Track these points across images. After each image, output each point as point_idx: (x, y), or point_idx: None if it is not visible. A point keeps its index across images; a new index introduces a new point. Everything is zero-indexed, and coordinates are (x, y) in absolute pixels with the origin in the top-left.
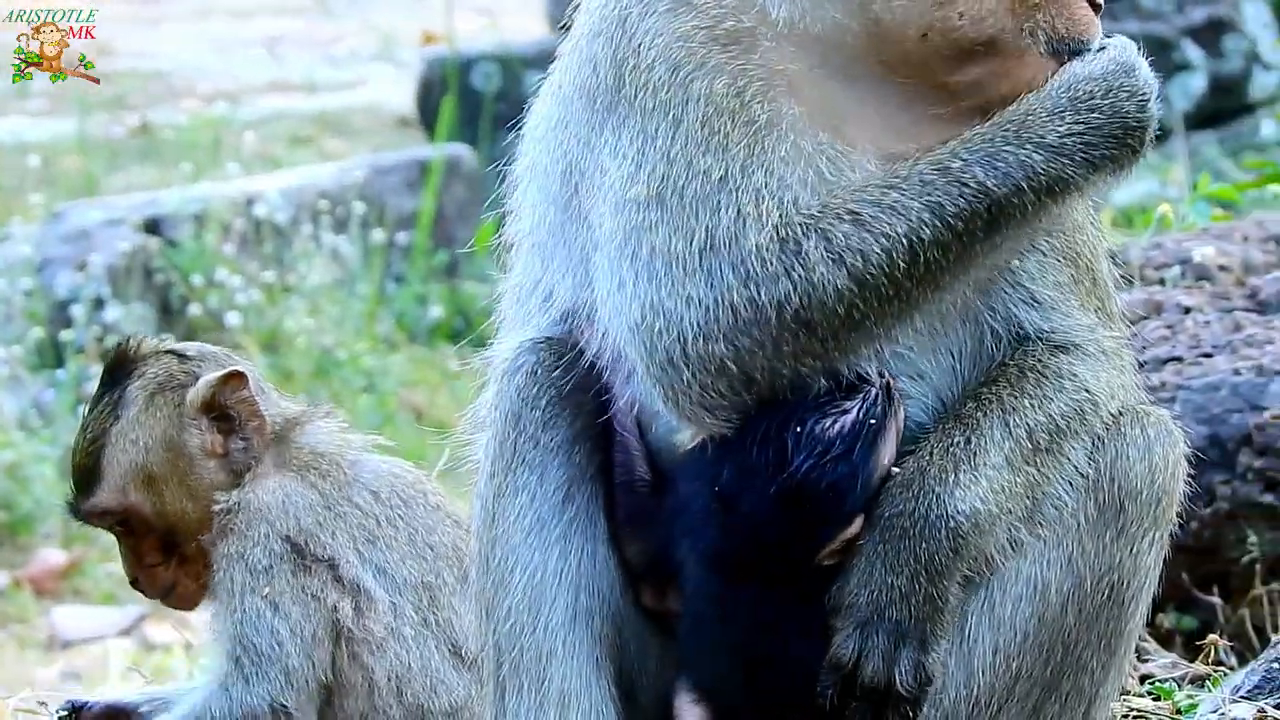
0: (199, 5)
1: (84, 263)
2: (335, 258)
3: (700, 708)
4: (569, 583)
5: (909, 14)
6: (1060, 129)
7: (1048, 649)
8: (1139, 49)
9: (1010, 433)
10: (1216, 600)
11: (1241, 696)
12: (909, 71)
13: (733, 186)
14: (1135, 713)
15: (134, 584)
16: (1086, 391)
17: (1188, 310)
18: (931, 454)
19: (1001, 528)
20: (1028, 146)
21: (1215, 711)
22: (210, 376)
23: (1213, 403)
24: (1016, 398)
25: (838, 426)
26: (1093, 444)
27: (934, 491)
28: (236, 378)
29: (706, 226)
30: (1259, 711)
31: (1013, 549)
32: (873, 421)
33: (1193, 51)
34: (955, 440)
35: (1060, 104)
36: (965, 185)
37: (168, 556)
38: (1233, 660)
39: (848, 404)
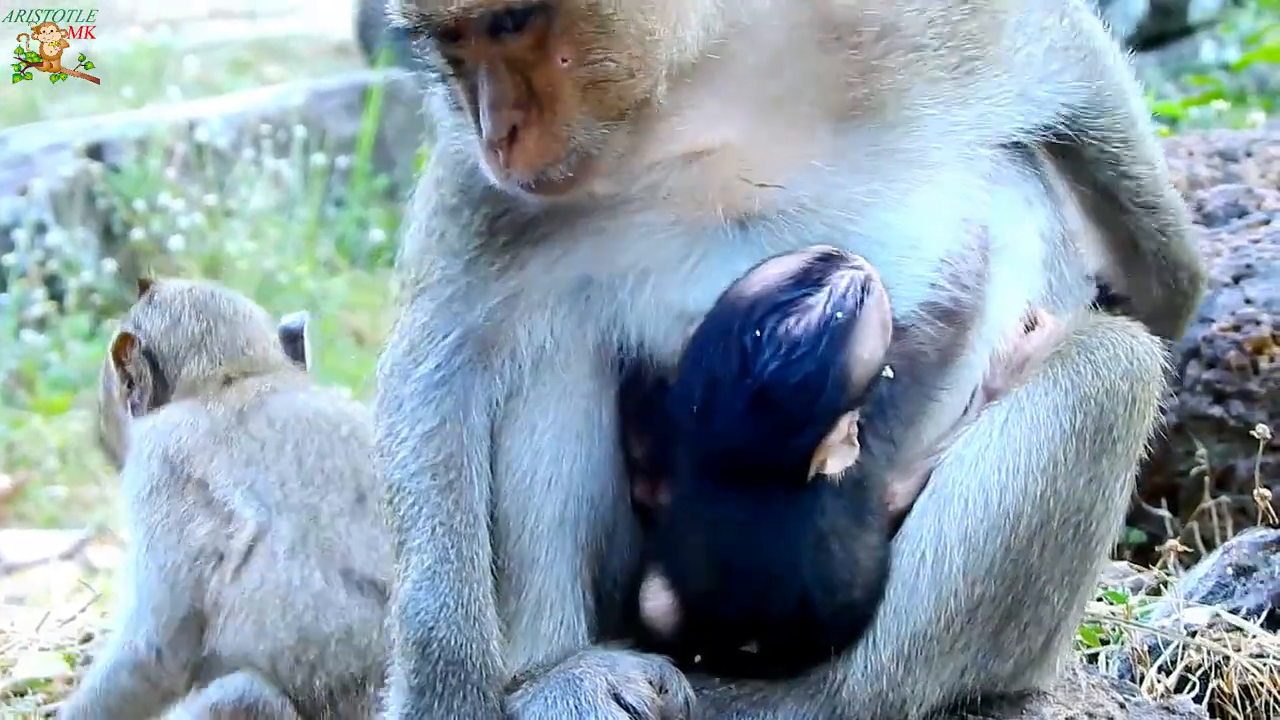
0: None
1: (26, 188)
2: (276, 182)
3: (668, 594)
4: (560, 488)
5: None
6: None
7: (1011, 578)
8: None
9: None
10: (1165, 513)
11: (1196, 601)
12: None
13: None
14: (1090, 617)
15: None
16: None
17: None
18: None
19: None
20: None
21: (1169, 616)
22: (115, 334)
23: None
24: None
25: (801, 324)
26: (1083, 402)
27: None
28: (125, 340)
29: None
30: (1213, 616)
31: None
32: (840, 315)
33: None
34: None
35: None
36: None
37: None
38: (1182, 573)
39: (811, 299)
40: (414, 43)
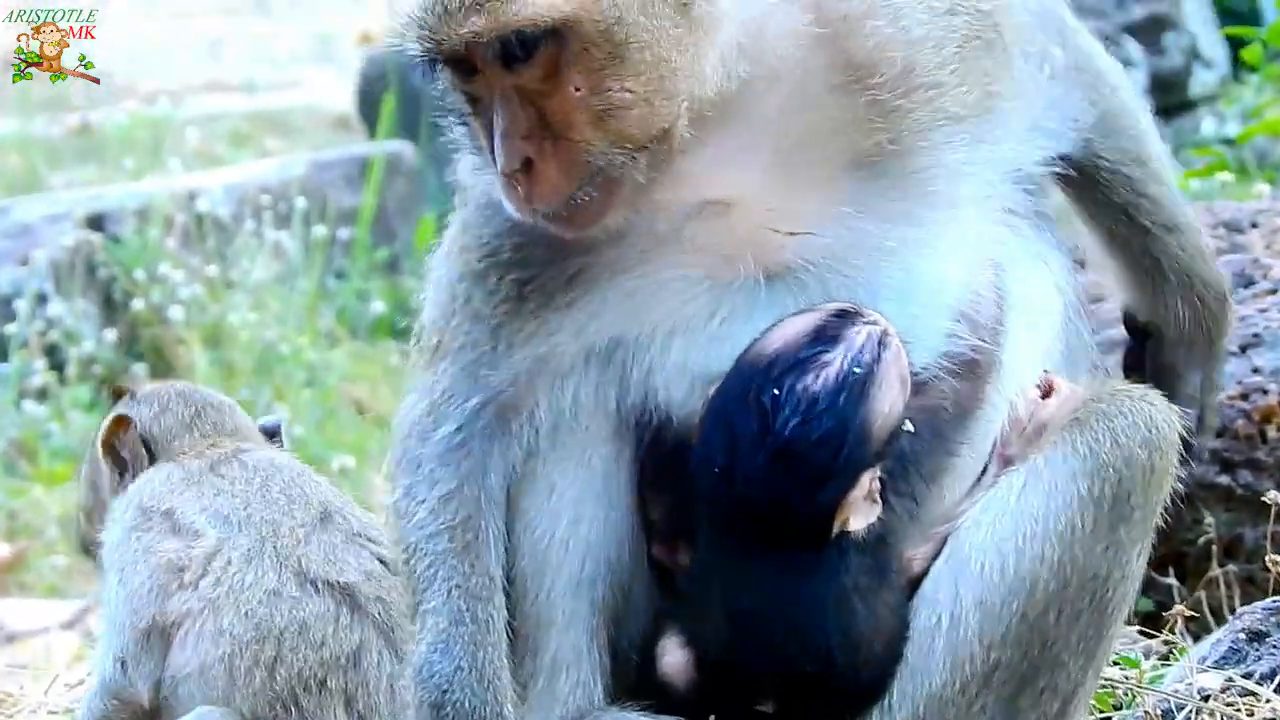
0: (139, 6)
1: (27, 258)
2: (277, 253)
3: (685, 651)
4: (578, 549)
5: None
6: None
7: (1027, 644)
8: None
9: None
10: (1173, 582)
11: (1209, 666)
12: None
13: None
14: (1103, 682)
15: None
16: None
17: None
18: None
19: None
20: None
21: (1182, 681)
22: (104, 423)
23: None
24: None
25: (820, 381)
26: (1101, 469)
27: None
28: (119, 422)
29: None
30: (1226, 681)
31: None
32: (858, 370)
33: (1133, 48)
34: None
35: None
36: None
37: None
38: (1189, 642)
39: (828, 356)
40: (433, 80)
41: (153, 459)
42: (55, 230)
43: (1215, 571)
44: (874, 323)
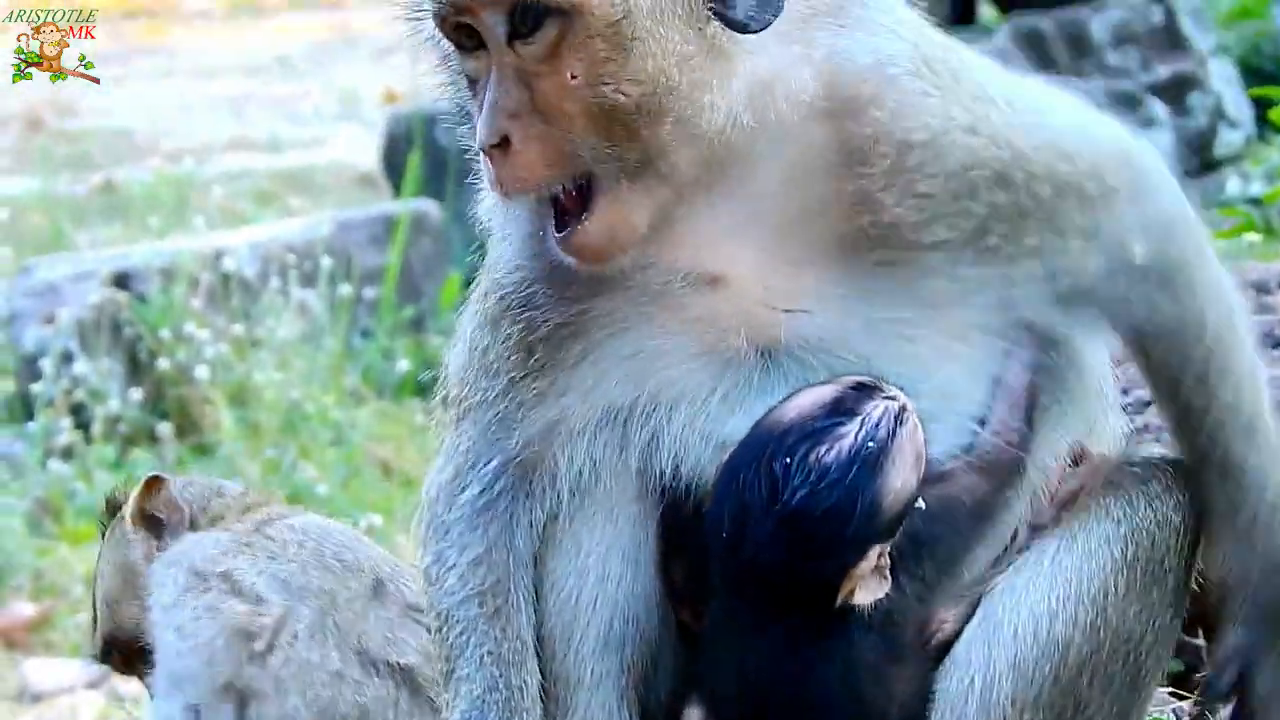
0: (161, 65)
1: (52, 317)
2: (303, 312)
3: None
4: (606, 608)
5: None
6: None
7: (1060, 707)
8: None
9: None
10: (1200, 642)
11: None
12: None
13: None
14: None
15: None
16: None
17: None
18: None
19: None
20: None
21: None
22: (135, 490)
23: None
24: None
25: (832, 452)
26: (1135, 533)
27: None
28: (156, 482)
29: None
30: None
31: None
32: (872, 444)
33: (1159, 108)
34: None
35: None
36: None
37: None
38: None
39: (843, 428)
40: (440, 55)
41: (193, 524)
42: (80, 289)
43: None
44: (892, 398)
